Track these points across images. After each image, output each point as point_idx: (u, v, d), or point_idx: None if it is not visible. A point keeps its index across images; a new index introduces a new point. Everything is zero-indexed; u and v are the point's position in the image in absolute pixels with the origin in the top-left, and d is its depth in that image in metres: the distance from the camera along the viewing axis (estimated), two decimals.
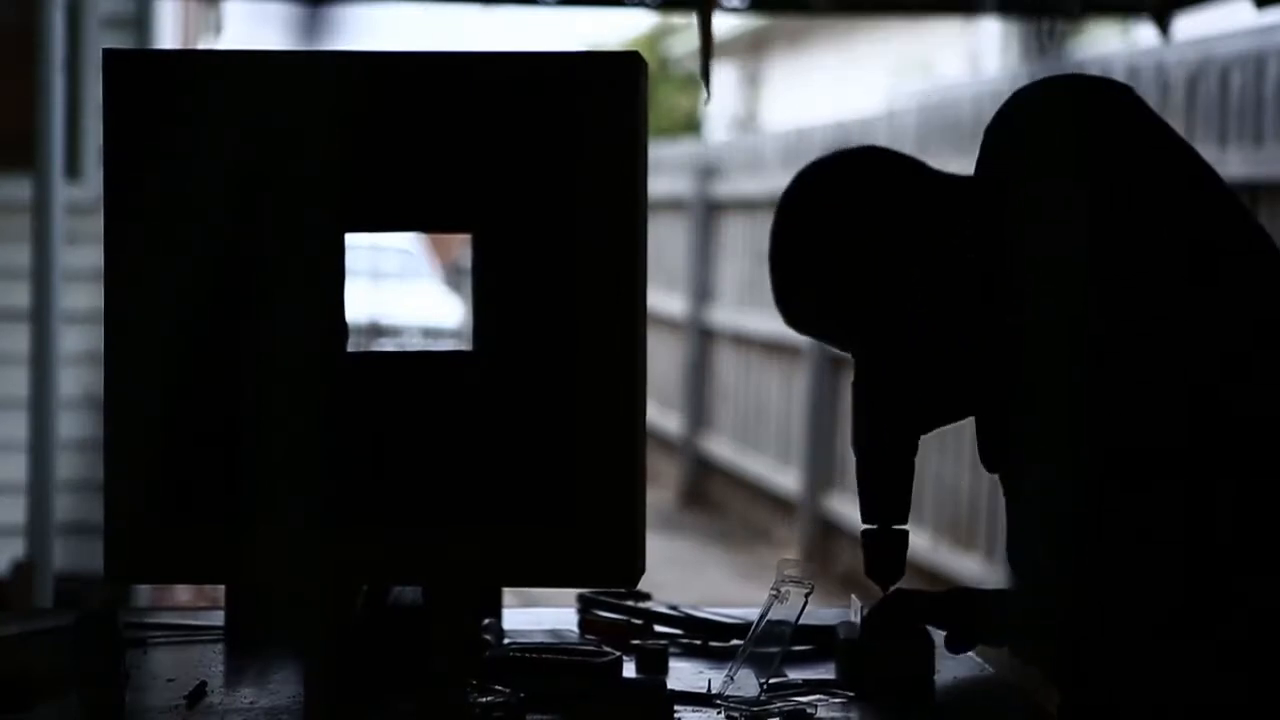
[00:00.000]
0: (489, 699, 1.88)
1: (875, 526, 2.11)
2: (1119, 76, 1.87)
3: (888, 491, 2.11)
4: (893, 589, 2.10)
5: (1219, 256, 1.90)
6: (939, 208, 2.04)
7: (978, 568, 6.48)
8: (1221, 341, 1.88)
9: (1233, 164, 4.90)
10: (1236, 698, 1.87)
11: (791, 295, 2.09)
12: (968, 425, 2.12)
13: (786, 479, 8.75)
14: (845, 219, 2.05)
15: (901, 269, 2.02)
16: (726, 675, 1.99)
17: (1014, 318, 1.95)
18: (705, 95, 2.90)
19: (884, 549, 2.10)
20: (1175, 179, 1.93)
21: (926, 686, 2.04)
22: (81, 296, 5.34)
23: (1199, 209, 1.92)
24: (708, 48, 2.95)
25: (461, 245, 15.98)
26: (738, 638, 2.18)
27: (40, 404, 4.48)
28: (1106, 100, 1.96)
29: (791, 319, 2.11)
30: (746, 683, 1.98)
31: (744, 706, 1.94)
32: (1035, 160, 1.95)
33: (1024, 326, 1.94)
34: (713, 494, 10.24)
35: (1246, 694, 1.87)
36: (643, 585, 2.00)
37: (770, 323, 9.04)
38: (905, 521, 2.11)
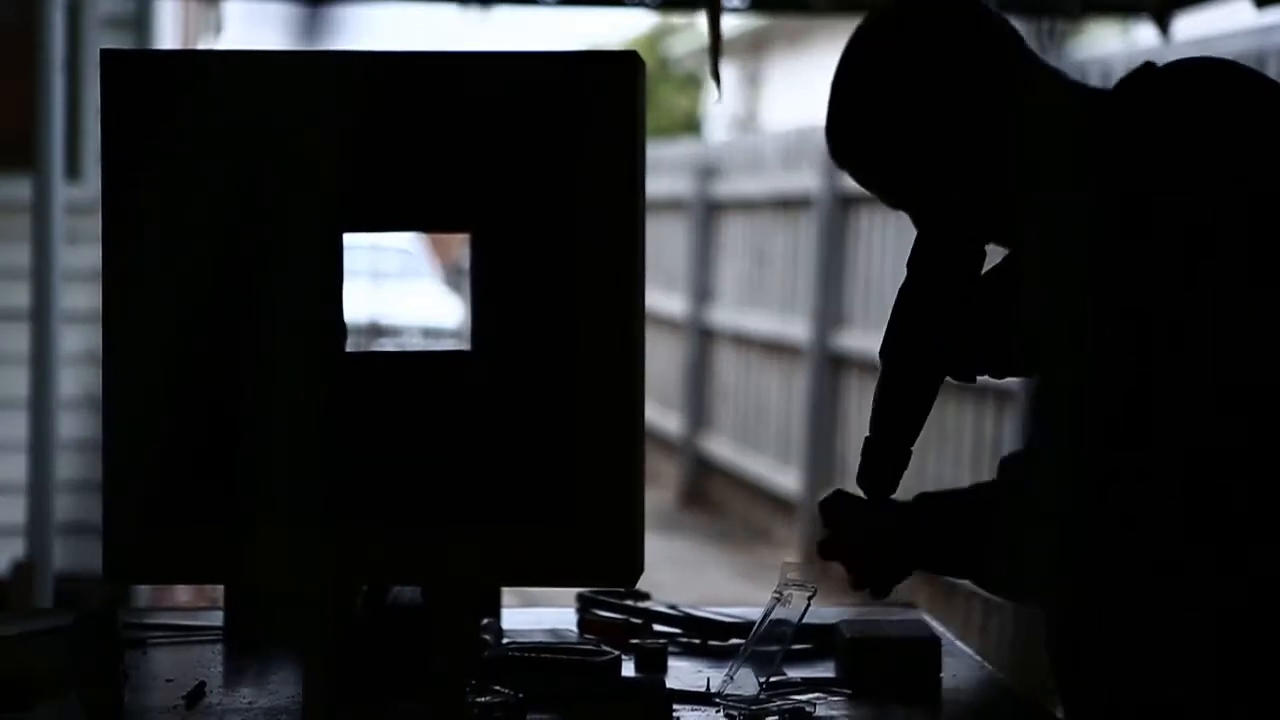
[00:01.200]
0: (488, 699, 1.89)
1: (880, 438, 2.05)
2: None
3: (904, 407, 2.04)
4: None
5: None
6: (1009, 83, 1.99)
7: None
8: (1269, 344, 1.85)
9: None
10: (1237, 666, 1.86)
11: (840, 124, 2.05)
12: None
13: (786, 479, 8.74)
14: (913, 58, 1.99)
15: (954, 128, 1.97)
16: (726, 674, 2.00)
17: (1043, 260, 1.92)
18: (716, 94, 2.89)
19: (883, 460, 2.04)
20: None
21: (930, 686, 2.04)
22: (81, 296, 5.33)
23: None
24: (717, 47, 2.94)
25: (461, 245, 15.97)
26: (737, 637, 2.18)
27: (40, 404, 4.48)
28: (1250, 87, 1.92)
29: (835, 150, 2.06)
30: (746, 682, 1.98)
31: (743, 705, 1.94)
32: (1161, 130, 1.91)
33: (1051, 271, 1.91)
34: (713, 494, 10.24)
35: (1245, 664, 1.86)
36: (642, 585, 2.00)
37: (770, 323, 9.05)
38: (912, 443, 2.05)
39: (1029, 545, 1.97)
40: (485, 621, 2.18)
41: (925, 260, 2.02)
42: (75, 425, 5.38)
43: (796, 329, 8.58)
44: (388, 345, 12.07)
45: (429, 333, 13.83)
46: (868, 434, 2.06)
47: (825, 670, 2.10)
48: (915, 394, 2.04)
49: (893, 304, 2.04)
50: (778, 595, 2.04)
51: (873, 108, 2.02)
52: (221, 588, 2.25)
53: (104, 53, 1.81)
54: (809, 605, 2.03)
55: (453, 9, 5.47)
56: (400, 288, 14.45)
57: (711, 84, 2.89)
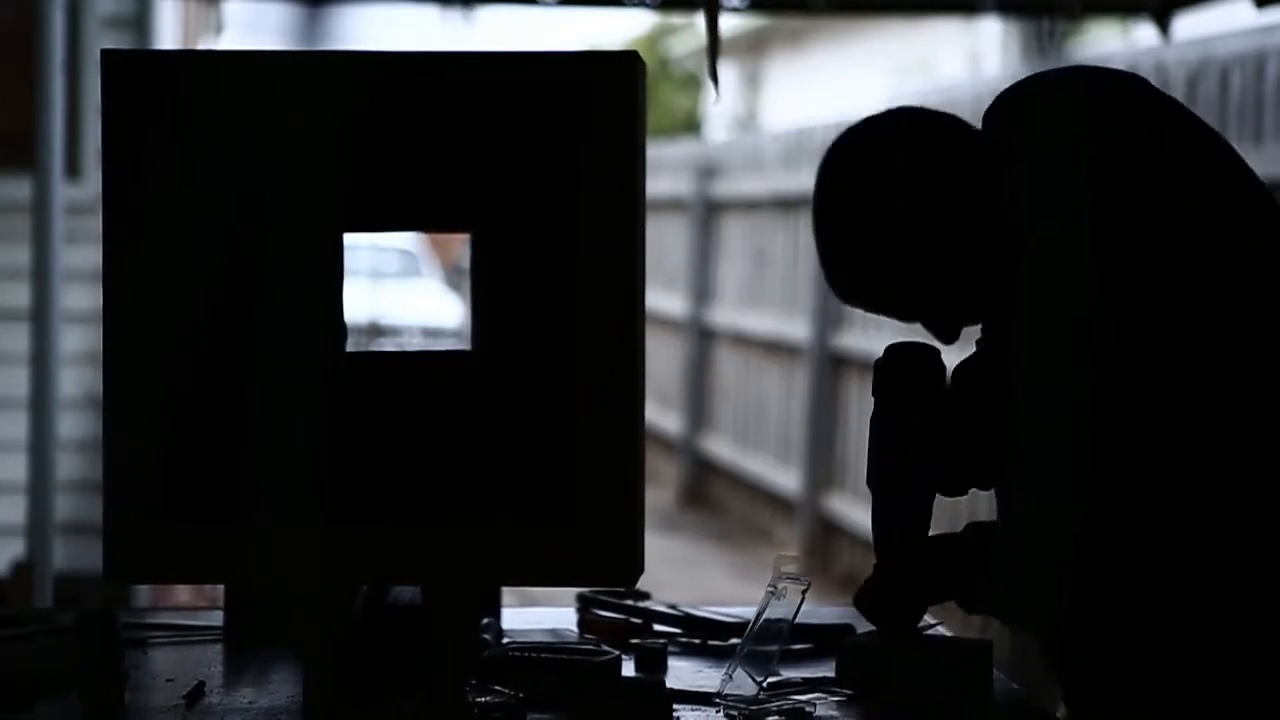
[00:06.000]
0: (489, 699, 1.89)
1: (886, 568, 2.07)
2: None
3: (902, 532, 2.08)
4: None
5: (1218, 254, 1.90)
6: (980, 166, 2.03)
7: None
8: (1214, 341, 1.88)
9: None
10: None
11: (839, 264, 2.07)
12: None
13: (786, 479, 8.75)
14: (886, 183, 2.02)
15: (946, 227, 2.00)
16: (725, 674, 1.99)
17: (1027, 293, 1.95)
18: (714, 95, 2.89)
19: (895, 592, 2.08)
20: (1171, 177, 1.92)
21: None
22: (81, 296, 5.33)
23: (1197, 209, 1.92)
24: (715, 47, 2.94)
25: (461, 245, 15.98)
26: (736, 637, 2.18)
27: (40, 404, 4.47)
28: (1108, 91, 1.96)
29: (840, 289, 2.08)
30: (744, 681, 1.98)
31: (743, 705, 1.94)
32: (1031, 148, 1.95)
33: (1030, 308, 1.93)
34: (713, 494, 10.24)
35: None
36: (642, 584, 2.00)
37: (770, 323, 9.05)
38: (919, 567, 2.08)
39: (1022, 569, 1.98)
40: (485, 621, 2.18)
41: (889, 385, 2.06)
42: (75, 425, 5.38)
43: (796, 329, 8.58)
44: (388, 345, 12.07)
45: (429, 333, 13.84)
46: (874, 565, 2.09)
47: (825, 670, 2.09)
48: (909, 517, 2.07)
49: (867, 433, 2.08)
50: (771, 589, 2.04)
51: (867, 232, 2.03)
52: (221, 588, 2.25)
53: (104, 53, 1.81)
54: (803, 599, 2.03)
55: (453, 9, 5.47)
56: (400, 288, 14.46)
57: (710, 84, 2.89)
